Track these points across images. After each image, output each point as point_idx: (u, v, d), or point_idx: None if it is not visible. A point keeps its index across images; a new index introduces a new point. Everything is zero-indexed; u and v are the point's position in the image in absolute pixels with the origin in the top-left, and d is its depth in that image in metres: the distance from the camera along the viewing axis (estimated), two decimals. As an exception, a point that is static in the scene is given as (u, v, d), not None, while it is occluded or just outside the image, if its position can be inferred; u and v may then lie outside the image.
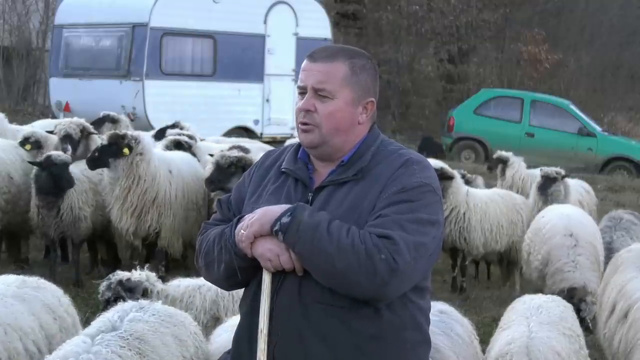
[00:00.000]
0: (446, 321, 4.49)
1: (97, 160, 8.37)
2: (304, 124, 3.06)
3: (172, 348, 4.13)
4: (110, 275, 5.44)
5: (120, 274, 5.39)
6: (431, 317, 4.27)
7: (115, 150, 8.34)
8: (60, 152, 8.55)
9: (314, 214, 2.92)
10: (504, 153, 11.37)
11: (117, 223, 8.67)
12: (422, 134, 24.81)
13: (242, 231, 2.97)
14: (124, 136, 8.40)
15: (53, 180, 8.30)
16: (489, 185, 11.66)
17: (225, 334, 4.41)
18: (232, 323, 4.47)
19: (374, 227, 2.90)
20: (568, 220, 7.74)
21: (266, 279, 2.98)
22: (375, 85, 3.14)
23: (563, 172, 10.07)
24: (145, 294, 5.24)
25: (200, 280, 5.46)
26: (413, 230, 2.90)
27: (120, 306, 4.26)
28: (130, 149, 8.36)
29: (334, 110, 3.04)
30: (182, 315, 4.48)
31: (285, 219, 2.90)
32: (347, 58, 3.07)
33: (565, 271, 7.28)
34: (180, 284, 5.51)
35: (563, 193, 9.95)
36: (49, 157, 8.34)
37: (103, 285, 5.37)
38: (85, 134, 9.57)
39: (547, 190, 9.94)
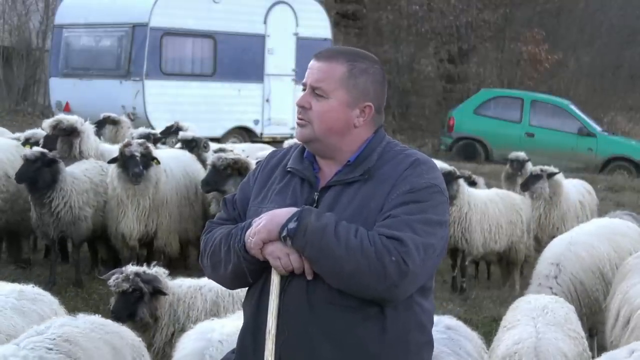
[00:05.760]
0: (454, 338, 4.37)
1: (141, 174, 8.36)
2: (300, 119, 3.10)
3: (104, 352, 4.02)
4: (121, 270, 5.32)
5: (132, 267, 5.30)
6: (438, 334, 4.20)
7: (147, 161, 8.45)
8: (36, 149, 8.51)
9: (320, 217, 2.93)
10: (520, 154, 11.40)
11: (126, 228, 8.66)
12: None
13: (250, 238, 2.98)
14: (147, 147, 8.55)
15: (18, 174, 8.32)
16: (488, 186, 11.67)
17: (190, 342, 4.34)
18: (198, 330, 4.43)
19: (383, 228, 2.91)
20: (567, 246, 7.09)
21: (275, 279, 2.98)
22: (378, 90, 3.12)
23: (551, 170, 10.06)
24: (161, 288, 5.20)
25: (201, 281, 5.43)
26: (422, 231, 2.92)
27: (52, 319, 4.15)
28: (157, 160, 8.56)
29: (327, 109, 3.06)
30: (117, 326, 4.39)
31: (292, 225, 2.91)
32: (348, 60, 3.08)
33: (528, 292, 7.03)
34: (182, 284, 5.48)
35: (547, 191, 9.96)
36: (24, 153, 8.38)
37: (117, 277, 5.23)
38: (61, 132, 9.31)
39: (530, 187, 9.98)
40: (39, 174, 8.28)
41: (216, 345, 4.14)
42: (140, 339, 4.52)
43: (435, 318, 4.36)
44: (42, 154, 8.37)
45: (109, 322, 4.35)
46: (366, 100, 3.09)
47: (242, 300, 5.18)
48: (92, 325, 4.11)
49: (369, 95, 3.10)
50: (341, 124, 3.07)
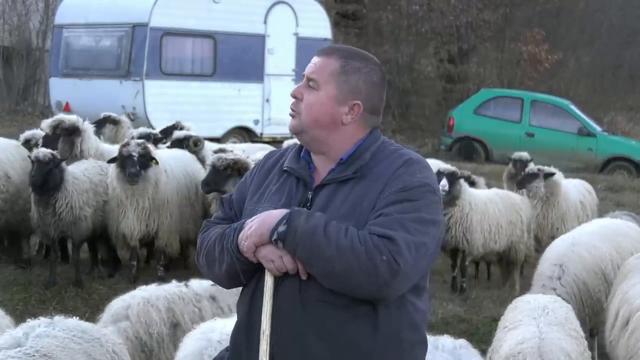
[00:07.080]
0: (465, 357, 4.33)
1: (137, 174, 8.37)
2: (291, 109, 3.14)
3: None
4: None
5: None
6: (448, 356, 4.19)
7: (145, 162, 8.45)
8: (46, 150, 8.48)
9: (310, 218, 2.93)
10: (523, 154, 11.40)
11: (126, 228, 8.67)
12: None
13: (243, 242, 2.99)
14: (146, 147, 8.56)
15: (35, 177, 8.29)
16: (488, 186, 11.67)
17: (191, 342, 4.32)
18: (200, 330, 4.40)
19: (375, 227, 2.91)
20: (570, 247, 7.05)
21: (268, 280, 2.99)
22: (371, 90, 3.12)
23: (548, 170, 10.04)
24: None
25: (147, 292, 5.26)
26: (414, 229, 2.91)
27: (27, 323, 3.99)
28: (156, 160, 8.55)
29: (315, 101, 3.08)
30: (98, 331, 4.25)
31: (281, 228, 2.92)
32: (343, 57, 3.11)
33: (531, 292, 6.98)
34: (131, 304, 5.15)
35: (543, 190, 9.95)
36: (36, 154, 8.36)
37: None
38: (63, 131, 9.32)
39: (526, 185, 9.97)
40: (51, 176, 8.29)
41: (215, 345, 4.13)
42: (121, 341, 4.44)
43: (435, 342, 4.28)
44: (53, 155, 8.38)
45: (89, 327, 4.24)
46: (355, 98, 3.09)
47: (195, 300, 5.23)
48: (71, 334, 3.99)
49: (360, 94, 3.10)
50: (327, 118, 3.08)
